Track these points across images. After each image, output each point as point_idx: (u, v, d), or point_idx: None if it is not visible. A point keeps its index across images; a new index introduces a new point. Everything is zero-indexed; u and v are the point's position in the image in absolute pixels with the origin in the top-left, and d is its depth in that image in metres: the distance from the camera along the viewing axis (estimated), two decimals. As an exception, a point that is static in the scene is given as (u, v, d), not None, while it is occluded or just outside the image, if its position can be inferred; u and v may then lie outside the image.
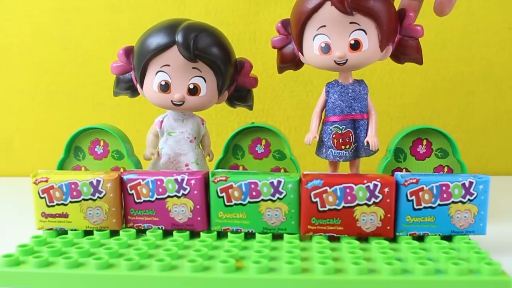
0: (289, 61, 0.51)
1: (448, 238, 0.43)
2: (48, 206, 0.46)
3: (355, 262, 0.36)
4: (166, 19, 0.51)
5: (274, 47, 0.52)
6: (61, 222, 0.46)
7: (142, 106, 0.81)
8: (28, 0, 0.80)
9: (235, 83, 0.53)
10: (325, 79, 0.53)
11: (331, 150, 0.50)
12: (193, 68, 0.49)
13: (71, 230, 0.46)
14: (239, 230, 0.45)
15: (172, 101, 0.50)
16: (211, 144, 0.56)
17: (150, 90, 0.51)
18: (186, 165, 0.53)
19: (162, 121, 0.53)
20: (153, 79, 0.50)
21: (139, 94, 0.53)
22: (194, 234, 0.46)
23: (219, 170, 0.49)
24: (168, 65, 0.49)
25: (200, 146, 0.55)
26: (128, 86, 0.53)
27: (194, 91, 0.50)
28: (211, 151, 0.56)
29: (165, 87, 0.50)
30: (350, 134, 0.50)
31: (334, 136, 0.50)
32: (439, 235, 0.43)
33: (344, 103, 0.50)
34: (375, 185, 0.42)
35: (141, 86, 0.52)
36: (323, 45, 0.48)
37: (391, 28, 0.48)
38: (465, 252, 0.40)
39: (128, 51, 0.52)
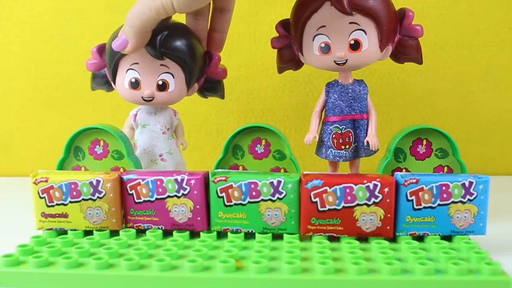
0: (289, 61, 0.51)
1: (448, 238, 0.43)
2: (48, 206, 0.46)
3: (355, 262, 0.36)
4: None
5: (274, 47, 0.52)
6: (61, 222, 0.46)
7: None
8: (28, 0, 0.80)
9: (205, 75, 0.55)
10: (325, 79, 0.53)
11: (331, 150, 0.50)
12: (161, 65, 0.52)
13: (71, 230, 0.46)
14: (239, 230, 0.45)
15: (142, 97, 0.53)
16: (184, 134, 0.59)
17: (121, 87, 0.53)
18: (160, 155, 0.56)
19: (136, 115, 0.56)
20: (124, 77, 0.53)
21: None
22: (194, 234, 0.46)
23: (219, 170, 0.49)
24: (137, 63, 0.52)
25: (174, 136, 0.58)
26: (103, 81, 0.55)
27: (162, 87, 0.52)
28: (184, 140, 0.59)
29: (135, 84, 0.52)
30: (350, 134, 0.50)
31: (334, 136, 0.50)
32: (439, 235, 0.43)
33: (344, 103, 0.50)
34: (375, 185, 0.42)
35: (114, 82, 0.54)
36: (323, 45, 0.48)
37: (391, 28, 0.48)
38: (465, 252, 0.40)
39: (101, 49, 0.54)
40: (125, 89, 0.53)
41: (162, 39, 0.50)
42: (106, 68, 0.54)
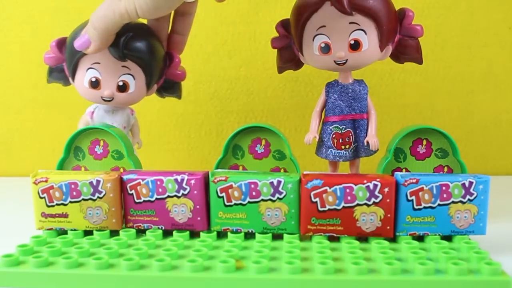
0: (289, 61, 0.51)
1: (448, 238, 0.43)
2: (48, 206, 0.46)
3: (355, 262, 0.36)
4: None
5: (274, 47, 0.52)
6: (61, 222, 0.46)
7: (142, 106, 0.81)
8: (28, 0, 0.80)
9: (164, 76, 0.55)
10: (325, 79, 0.53)
11: (331, 150, 0.50)
12: (123, 66, 0.52)
13: (71, 230, 0.46)
14: (239, 230, 0.45)
15: (102, 97, 0.53)
16: (140, 133, 0.60)
17: (81, 85, 0.53)
18: None
19: (93, 112, 0.56)
20: (84, 75, 0.52)
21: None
22: (194, 234, 0.46)
23: (219, 170, 0.49)
24: (98, 63, 0.52)
25: (131, 135, 0.58)
26: (61, 76, 0.55)
27: (123, 88, 0.53)
28: (140, 139, 0.60)
29: (95, 84, 0.52)
30: (350, 134, 0.50)
31: (334, 136, 0.50)
32: (439, 235, 0.43)
33: (344, 103, 0.50)
34: (375, 185, 0.42)
35: (73, 79, 0.54)
36: (323, 45, 0.48)
37: (391, 28, 0.48)
38: (465, 252, 0.40)
39: (61, 43, 0.53)
40: (84, 88, 0.53)
41: (126, 41, 0.50)
42: (64, 63, 0.54)
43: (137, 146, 0.59)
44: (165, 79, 0.56)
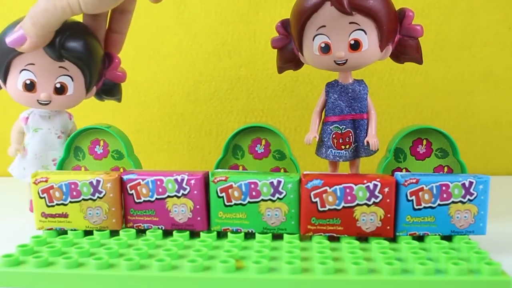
0: (289, 61, 0.51)
1: (448, 238, 0.43)
2: (48, 206, 0.46)
3: (355, 262, 0.36)
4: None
5: (274, 47, 0.52)
6: (61, 222, 0.46)
7: (142, 106, 0.81)
8: (28, 0, 0.80)
9: (103, 78, 0.53)
10: (325, 79, 0.53)
11: (331, 150, 0.50)
12: (60, 67, 0.49)
13: (71, 230, 0.46)
14: (239, 230, 0.45)
15: (38, 100, 0.50)
16: None
17: (14, 88, 0.50)
18: (54, 160, 0.53)
19: (27, 118, 0.53)
20: (17, 78, 0.49)
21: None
22: (194, 234, 0.46)
23: (219, 170, 0.49)
24: (33, 64, 0.49)
25: None
26: None
27: (60, 90, 0.50)
28: None
29: (30, 86, 0.49)
30: (350, 134, 0.50)
31: (334, 136, 0.50)
32: (439, 235, 0.43)
33: (344, 103, 0.50)
34: (375, 185, 0.42)
35: (4, 83, 0.51)
36: (323, 45, 0.48)
37: (391, 28, 0.47)
38: (465, 252, 0.40)
39: None
40: (18, 91, 0.50)
41: (63, 40, 0.47)
42: None
43: None
44: (104, 81, 0.53)
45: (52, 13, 0.43)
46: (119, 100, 0.56)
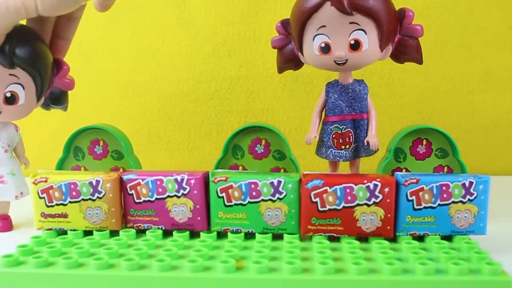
0: (289, 61, 0.51)
1: (448, 238, 0.43)
2: (48, 206, 0.46)
3: (356, 262, 0.36)
4: None
5: (274, 47, 0.52)
6: (61, 222, 0.46)
7: (142, 106, 0.81)
8: None
9: (51, 86, 0.49)
10: (325, 79, 0.53)
11: (331, 150, 0.50)
12: (10, 74, 0.46)
13: (71, 230, 0.46)
14: (239, 230, 0.45)
15: None
16: (25, 152, 0.53)
17: None
18: (0, 177, 0.49)
19: None
20: None
21: None
22: (194, 234, 0.46)
23: (219, 170, 0.49)
24: None
25: (14, 155, 0.52)
26: None
27: (11, 99, 0.47)
28: (26, 159, 0.53)
29: None
30: (350, 134, 0.50)
31: (334, 136, 0.50)
32: (439, 235, 0.43)
33: (344, 103, 0.50)
34: (375, 185, 0.42)
35: None
36: (323, 45, 0.48)
37: (391, 28, 0.47)
38: (466, 252, 0.40)
39: None
40: None
41: (13, 45, 0.44)
42: None
43: (24, 167, 0.52)
44: (51, 89, 0.49)
45: (3, 14, 0.40)
46: (65, 108, 0.52)
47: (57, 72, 0.49)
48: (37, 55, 0.46)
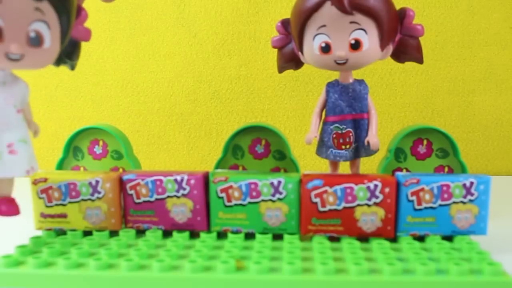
0: (289, 61, 0.51)
1: (448, 238, 0.43)
2: (47, 207, 0.45)
3: (356, 262, 0.36)
4: None
5: (274, 47, 0.51)
6: (60, 223, 0.46)
7: (142, 106, 0.81)
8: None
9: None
10: (325, 79, 0.52)
11: (331, 150, 0.50)
12: (36, 9, 0.37)
13: (70, 230, 0.46)
14: (239, 231, 0.45)
15: (6, 54, 0.37)
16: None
17: None
18: (9, 145, 0.39)
19: None
20: None
21: None
22: (194, 235, 0.45)
23: (219, 170, 0.49)
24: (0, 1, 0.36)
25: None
26: None
27: (36, 41, 0.38)
28: (36, 124, 0.44)
29: None
30: (351, 134, 0.50)
31: (334, 135, 0.50)
32: (440, 235, 0.43)
33: (344, 102, 0.50)
34: (376, 185, 0.42)
35: None
36: (323, 44, 0.47)
37: (392, 27, 0.47)
38: (466, 252, 0.40)
39: None
40: None
41: None
42: None
43: (34, 135, 0.44)
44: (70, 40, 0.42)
45: None
46: (74, 66, 0.44)
47: (76, 17, 0.42)
48: None
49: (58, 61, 0.43)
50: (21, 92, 0.41)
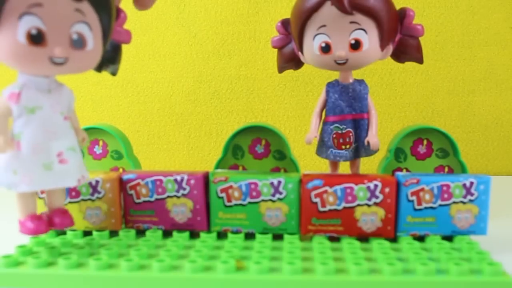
0: (289, 61, 0.51)
1: (449, 238, 0.43)
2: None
3: (356, 262, 0.36)
4: None
5: (274, 47, 0.51)
6: (61, 223, 0.46)
7: (142, 106, 0.81)
8: None
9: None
10: (325, 79, 0.52)
11: (331, 150, 0.50)
12: (76, 10, 0.35)
13: (70, 230, 0.46)
14: (239, 231, 0.45)
15: (51, 58, 0.35)
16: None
17: (11, 43, 0.34)
18: (59, 154, 0.37)
19: (19, 94, 0.36)
20: (15, 26, 0.34)
21: None
22: (194, 235, 0.45)
23: (219, 170, 0.49)
24: (40, 5, 0.34)
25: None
26: None
27: (79, 43, 0.36)
28: (83, 131, 0.42)
29: (37, 38, 0.34)
30: (351, 134, 0.50)
31: (334, 136, 0.50)
32: (440, 235, 0.43)
33: (344, 102, 0.50)
34: (376, 185, 0.42)
35: None
36: (323, 44, 0.47)
37: (392, 27, 0.47)
38: (466, 252, 0.40)
39: None
40: (17, 47, 0.34)
41: None
42: None
43: (82, 142, 0.42)
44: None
45: None
46: (116, 71, 0.42)
47: (115, 18, 0.40)
48: None
49: (100, 66, 0.41)
50: (67, 99, 0.39)
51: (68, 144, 0.38)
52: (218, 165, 0.52)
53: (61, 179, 0.38)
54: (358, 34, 0.47)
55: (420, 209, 0.43)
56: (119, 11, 0.41)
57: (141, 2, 0.41)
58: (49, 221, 0.40)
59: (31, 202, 0.39)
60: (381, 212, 0.42)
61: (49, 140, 0.37)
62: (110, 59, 0.40)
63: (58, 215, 0.40)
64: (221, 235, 0.45)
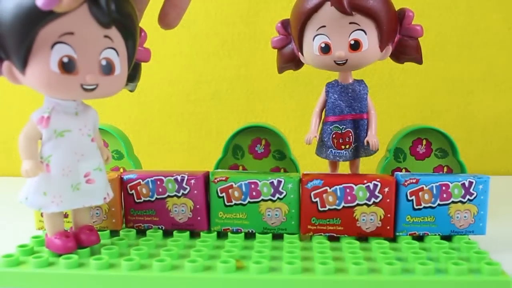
0: (289, 61, 0.51)
1: (447, 238, 0.43)
2: (48, 206, 0.45)
3: (356, 262, 0.36)
4: None
5: (274, 47, 0.52)
6: (61, 222, 0.46)
7: (142, 106, 0.81)
8: None
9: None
10: (325, 79, 0.53)
11: (331, 150, 0.50)
12: (105, 36, 0.36)
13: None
14: (239, 230, 0.45)
15: (82, 85, 0.36)
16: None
17: (44, 72, 0.35)
18: (86, 175, 0.39)
19: (48, 118, 0.38)
20: (48, 55, 0.35)
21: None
22: (194, 234, 0.46)
23: (219, 170, 0.49)
24: (72, 33, 0.35)
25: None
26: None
27: (108, 69, 0.37)
28: (108, 150, 0.43)
29: (69, 66, 0.35)
30: (350, 134, 0.50)
31: (334, 136, 0.50)
32: (439, 235, 0.43)
33: (344, 103, 0.50)
34: (375, 185, 0.42)
35: (23, 67, 0.35)
36: (323, 45, 0.48)
37: (391, 28, 0.47)
38: (465, 252, 0.40)
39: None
40: (50, 75, 0.35)
41: (111, 1, 0.35)
42: (7, 43, 0.34)
43: (107, 161, 0.42)
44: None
45: None
46: (133, 89, 0.43)
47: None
48: (131, 13, 0.38)
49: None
50: (93, 120, 0.40)
51: (95, 164, 0.40)
52: (218, 165, 0.53)
53: (88, 199, 0.39)
54: (358, 35, 0.47)
55: (419, 209, 0.43)
56: (140, 30, 0.41)
57: (166, 21, 0.42)
58: (76, 238, 0.40)
59: (59, 220, 0.40)
60: (380, 212, 0.42)
61: (77, 162, 0.38)
62: (130, 77, 0.41)
63: (85, 232, 0.41)
64: (221, 235, 0.46)
